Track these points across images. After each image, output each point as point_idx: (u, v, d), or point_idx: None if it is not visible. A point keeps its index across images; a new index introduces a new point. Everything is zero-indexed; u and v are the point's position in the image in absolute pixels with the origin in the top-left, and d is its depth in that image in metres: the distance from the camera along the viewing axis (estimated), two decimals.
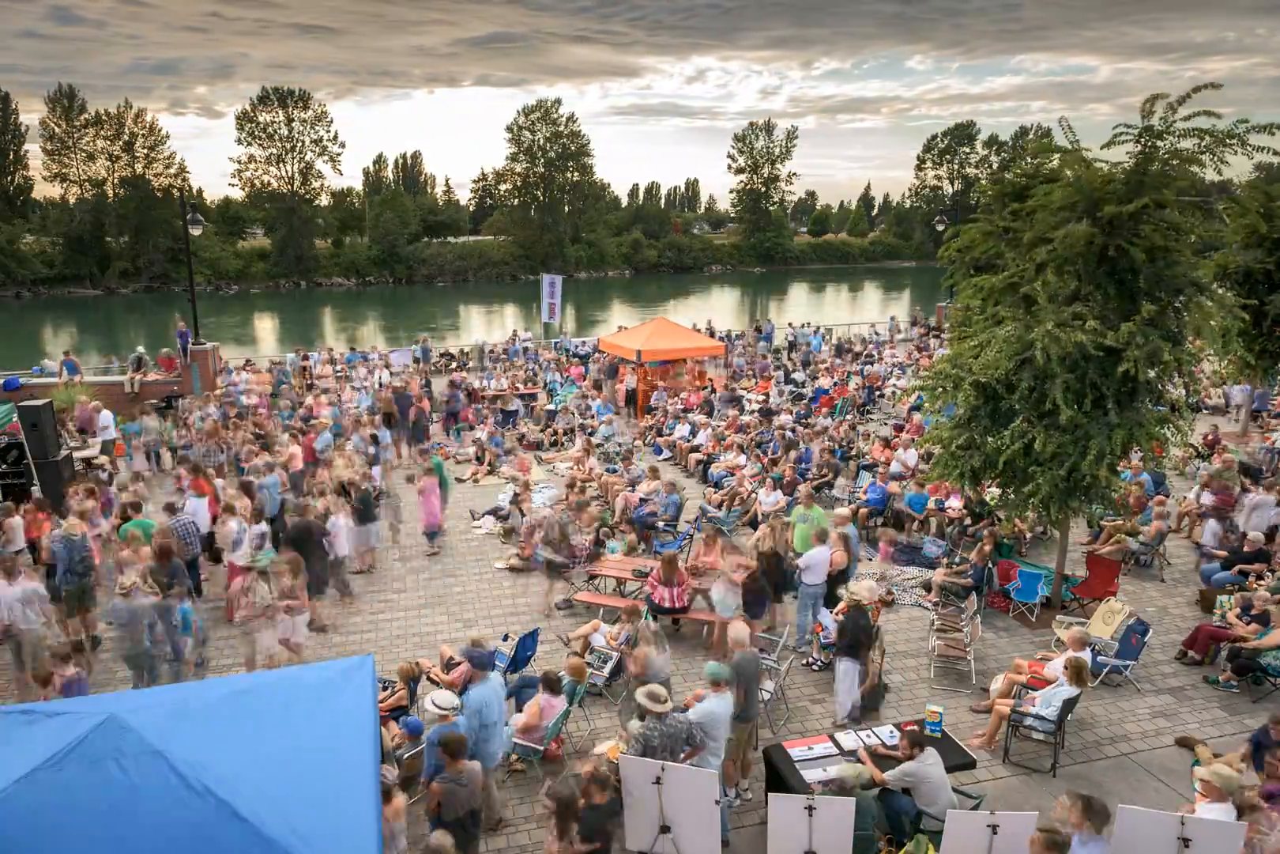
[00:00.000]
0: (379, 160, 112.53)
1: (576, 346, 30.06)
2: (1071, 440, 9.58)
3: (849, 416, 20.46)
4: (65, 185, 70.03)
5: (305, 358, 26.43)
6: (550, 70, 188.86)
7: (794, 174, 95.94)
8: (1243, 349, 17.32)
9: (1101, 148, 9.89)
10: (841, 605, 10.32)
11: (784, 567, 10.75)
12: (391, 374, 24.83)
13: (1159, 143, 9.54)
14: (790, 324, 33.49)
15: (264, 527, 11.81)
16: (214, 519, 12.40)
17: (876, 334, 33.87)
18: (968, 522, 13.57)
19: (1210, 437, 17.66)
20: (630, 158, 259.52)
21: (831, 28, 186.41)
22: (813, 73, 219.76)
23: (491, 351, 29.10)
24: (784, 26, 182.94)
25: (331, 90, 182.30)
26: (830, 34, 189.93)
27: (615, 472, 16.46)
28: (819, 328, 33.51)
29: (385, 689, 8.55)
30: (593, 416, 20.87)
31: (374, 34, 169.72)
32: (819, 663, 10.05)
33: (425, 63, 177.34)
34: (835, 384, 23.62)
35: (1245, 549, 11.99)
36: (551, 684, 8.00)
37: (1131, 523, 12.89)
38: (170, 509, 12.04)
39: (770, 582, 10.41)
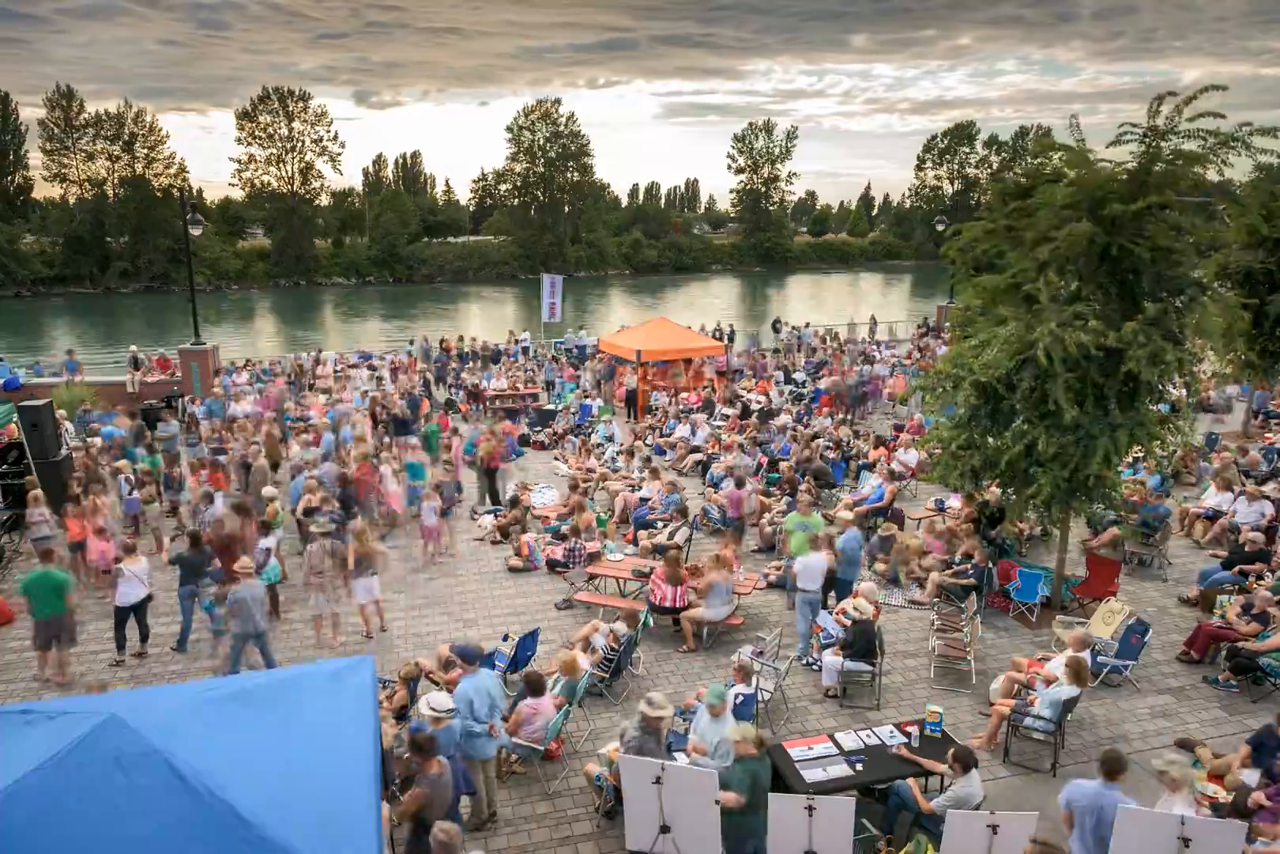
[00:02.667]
0: (379, 160, 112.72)
1: (580, 338, 30.08)
2: (1073, 440, 9.58)
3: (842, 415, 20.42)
4: (65, 185, 70.18)
5: (305, 360, 26.44)
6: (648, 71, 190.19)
7: (794, 174, 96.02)
8: (1244, 348, 17.35)
9: (1107, 146, 9.91)
10: (840, 606, 10.38)
11: None
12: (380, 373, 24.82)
13: (1163, 143, 9.54)
14: (778, 324, 33.65)
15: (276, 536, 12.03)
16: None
17: (866, 337, 33.84)
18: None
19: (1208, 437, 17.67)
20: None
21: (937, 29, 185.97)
22: (909, 73, 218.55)
23: (484, 351, 29.12)
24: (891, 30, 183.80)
25: (435, 91, 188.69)
26: (933, 35, 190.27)
27: (617, 470, 16.47)
28: (821, 329, 33.58)
29: (384, 689, 8.55)
30: (592, 417, 20.89)
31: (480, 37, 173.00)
32: (819, 663, 10.05)
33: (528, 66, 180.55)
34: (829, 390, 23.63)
35: (1246, 549, 12.00)
36: (534, 686, 7.97)
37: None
38: (209, 498, 13.03)
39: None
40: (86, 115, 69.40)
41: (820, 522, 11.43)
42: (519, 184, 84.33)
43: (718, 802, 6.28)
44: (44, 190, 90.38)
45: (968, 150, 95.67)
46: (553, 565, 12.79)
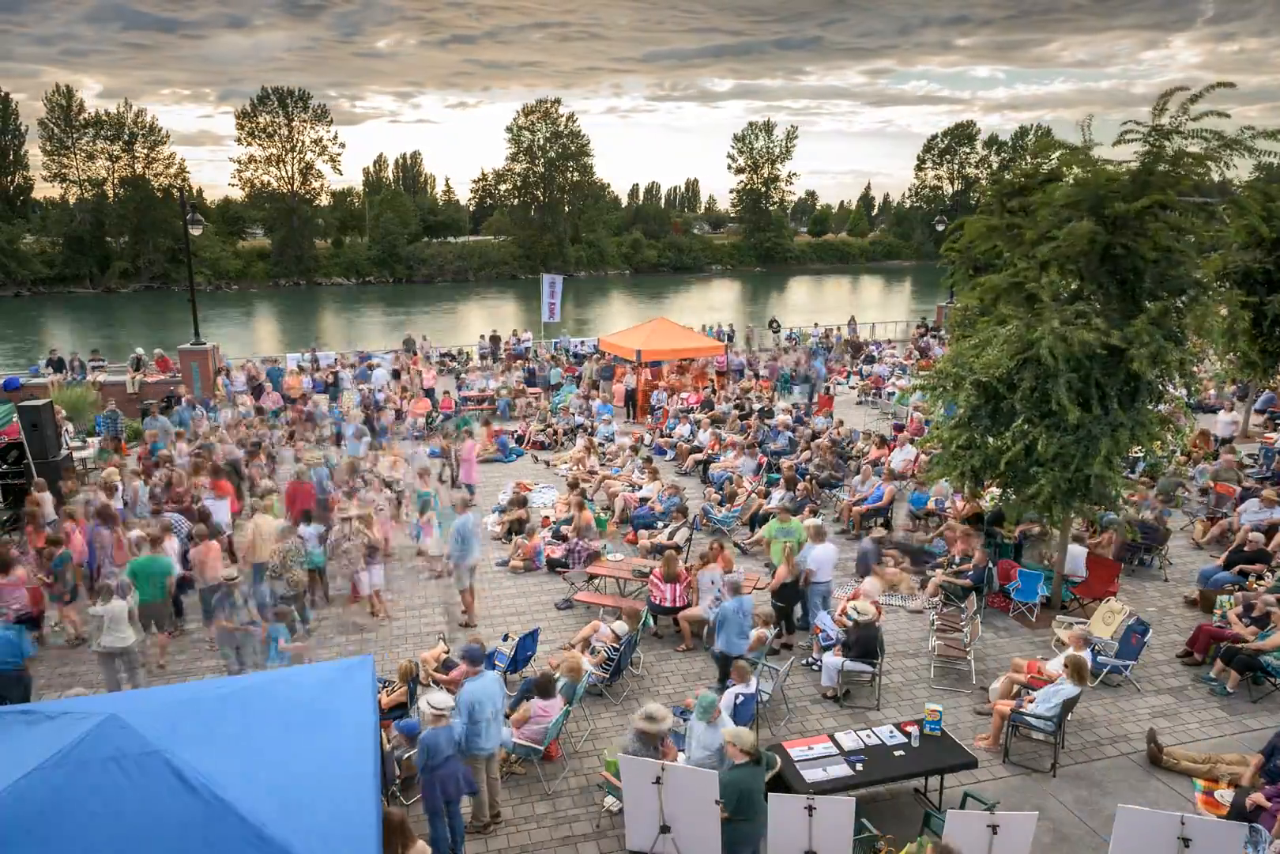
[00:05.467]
0: (379, 160, 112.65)
1: (576, 346, 30.10)
2: (1074, 440, 9.57)
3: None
4: (65, 185, 70.19)
5: (311, 360, 26.46)
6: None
7: (794, 174, 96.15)
8: (1245, 347, 17.36)
9: (1113, 145, 9.91)
10: (842, 607, 10.38)
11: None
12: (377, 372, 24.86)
13: (1166, 142, 9.54)
14: (774, 324, 33.67)
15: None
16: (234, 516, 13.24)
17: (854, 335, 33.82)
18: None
19: (1207, 443, 17.64)
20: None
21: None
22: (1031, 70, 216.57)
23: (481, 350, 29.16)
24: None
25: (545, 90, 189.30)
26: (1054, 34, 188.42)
27: (618, 473, 16.46)
28: (825, 329, 33.62)
29: (384, 687, 8.55)
30: (592, 416, 20.89)
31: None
32: (819, 663, 10.04)
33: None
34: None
35: (1245, 549, 11.99)
36: (544, 688, 7.96)
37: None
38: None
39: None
40: (87, 115, 69.51)
41: (800, 526, 11.32)
42: (519, 184, 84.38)
43: (718, 802, 6.28)
44: (44, 190, 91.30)
45: (968, 150, 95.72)
46: (553, 565, 12.80)
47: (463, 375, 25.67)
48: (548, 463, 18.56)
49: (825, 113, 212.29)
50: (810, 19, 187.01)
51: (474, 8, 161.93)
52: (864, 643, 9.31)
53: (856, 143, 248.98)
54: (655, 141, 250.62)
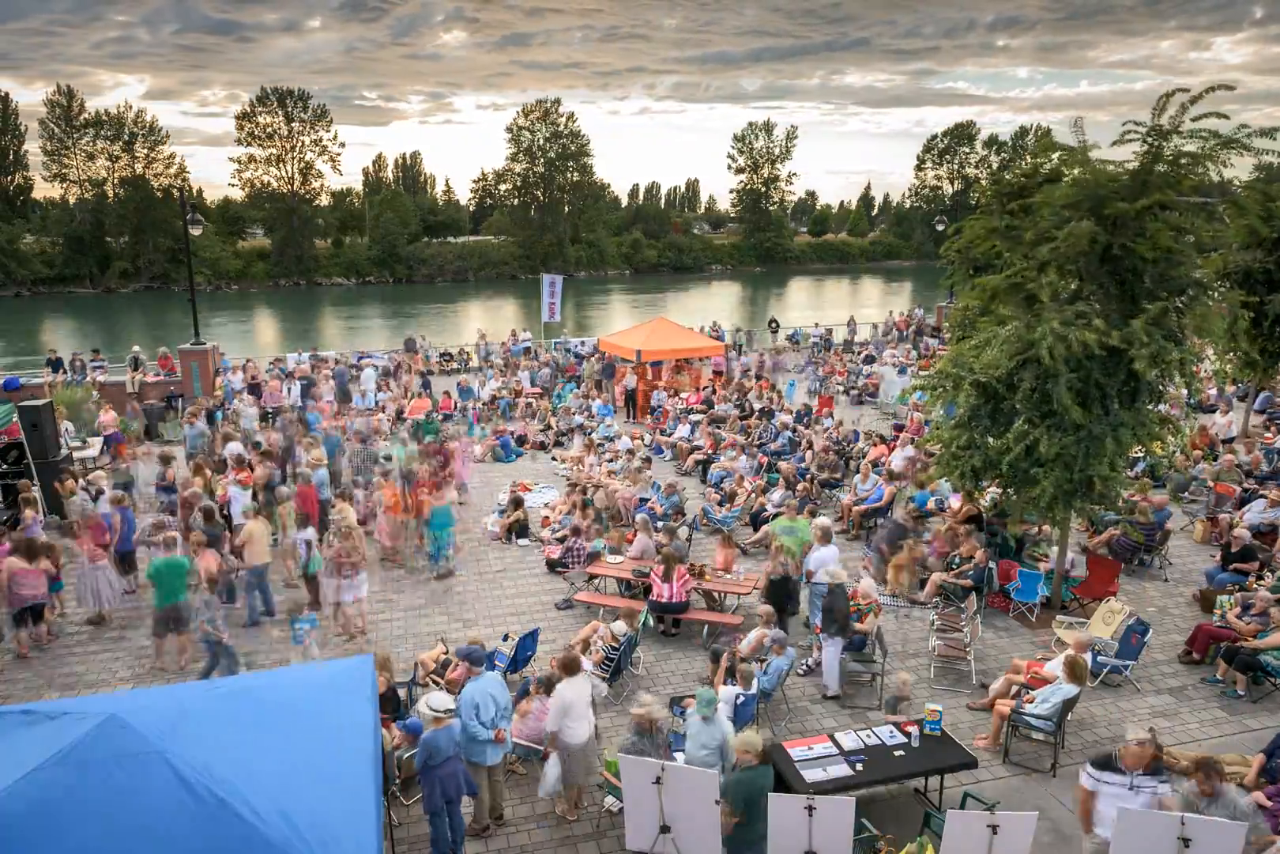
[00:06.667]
0: (378, 160, 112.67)
1: (576, 346, 30.10)
2: (1074, 441, 9.57)
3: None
4: (65, 185, 70.18)
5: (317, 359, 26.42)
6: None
7: (794, 174, 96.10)
8: (1245, 347, 17.36)
9: (1112, 145, 9.91)
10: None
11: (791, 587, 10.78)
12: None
13: (1165, 143, 9.54)
14: (774, 324, 33.64)
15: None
16: None
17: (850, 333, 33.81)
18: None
19: (1205, 437, 17.64)
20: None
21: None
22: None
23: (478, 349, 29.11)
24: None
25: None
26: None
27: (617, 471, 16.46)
28: (828, 328, 33.60)
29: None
30: (592, 416, 20.89)
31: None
32: (816, 660, 10.05)
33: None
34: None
35: (1232, 548, 11.99)
36: (550, 688, 7.97)
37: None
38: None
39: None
40: (87, 115, 69.46)
41: (806, 527, 11.32)
42: (519, 184, 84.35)
43: (718, 802, 6.29)
44: (44, 190, 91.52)
45: (967, 150, 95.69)
46: (552, 566, 12.80)
47: (464, 377, 25.66)
48: (554, 458, 18.62)
49: (853, 114, 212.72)
50: (854, 22, 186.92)
51: (526, 10, 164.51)
52: (839, 612, 9.26)
53: (885, 143, 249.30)
54: (669, 141, 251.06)
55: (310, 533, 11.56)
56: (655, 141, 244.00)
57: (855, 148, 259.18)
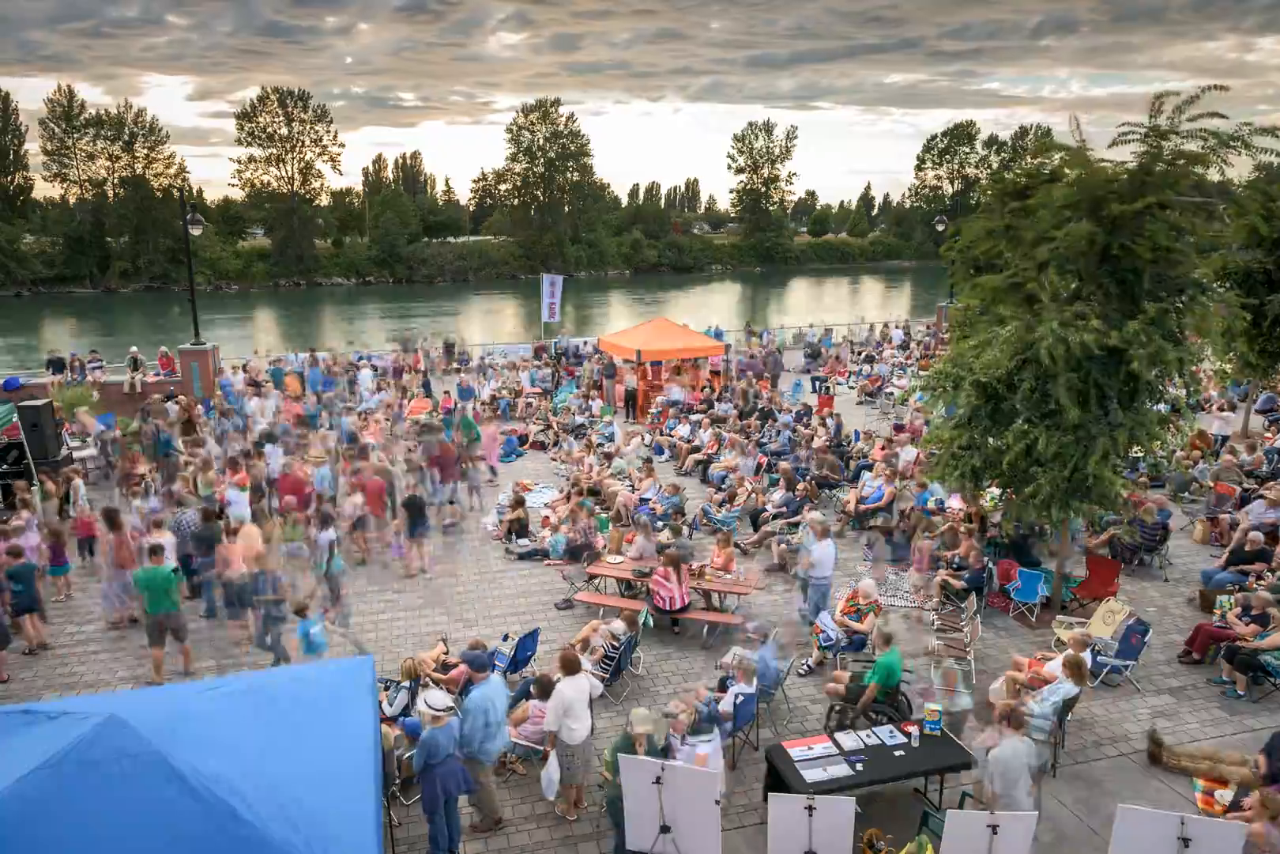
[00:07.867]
0: (378, 160, 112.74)
1: (577, 347, 30.08)
2: (1073, 440, 9.57)
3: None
4: (65, 185, 70.24)
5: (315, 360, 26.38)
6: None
7: (794, 174, 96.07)
8: (1244, 347, 17.35)
9: (1109, 146, 9.90)
10: (842, 606, 10.40)
11: None
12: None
13: (1164, 143, 9.53)
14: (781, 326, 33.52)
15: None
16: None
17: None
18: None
19: (1205, 439, 17.63)
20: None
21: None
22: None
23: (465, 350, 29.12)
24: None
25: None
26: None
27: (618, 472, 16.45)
28: (830, 328, 33.54)
29: (385, 688, 8.55)
30: (592, 416, 20.87)
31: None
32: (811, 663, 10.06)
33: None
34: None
35: (1246, 548, 11.98)
36: (545, 690, 7.95)
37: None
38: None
39: None
40: (87, 115, 69.51)
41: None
42: (519, 184, 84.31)
43: (718, 802, 6.29)
44: (44, 190, 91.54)
45: (967, 150, 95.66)
46: (575, 554, 12.84)
47: (464, 377, 25.62)
48: (554, 458, 18.62)
49: (884, 113, 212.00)
50: (908, 24, 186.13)
51: (583, 12, 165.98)
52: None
53: (912, 144, 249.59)
54: (685, 141, 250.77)
55: (331, 533, 11.48)
56: (687, 140, 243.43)
57: (887, 147, 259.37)
